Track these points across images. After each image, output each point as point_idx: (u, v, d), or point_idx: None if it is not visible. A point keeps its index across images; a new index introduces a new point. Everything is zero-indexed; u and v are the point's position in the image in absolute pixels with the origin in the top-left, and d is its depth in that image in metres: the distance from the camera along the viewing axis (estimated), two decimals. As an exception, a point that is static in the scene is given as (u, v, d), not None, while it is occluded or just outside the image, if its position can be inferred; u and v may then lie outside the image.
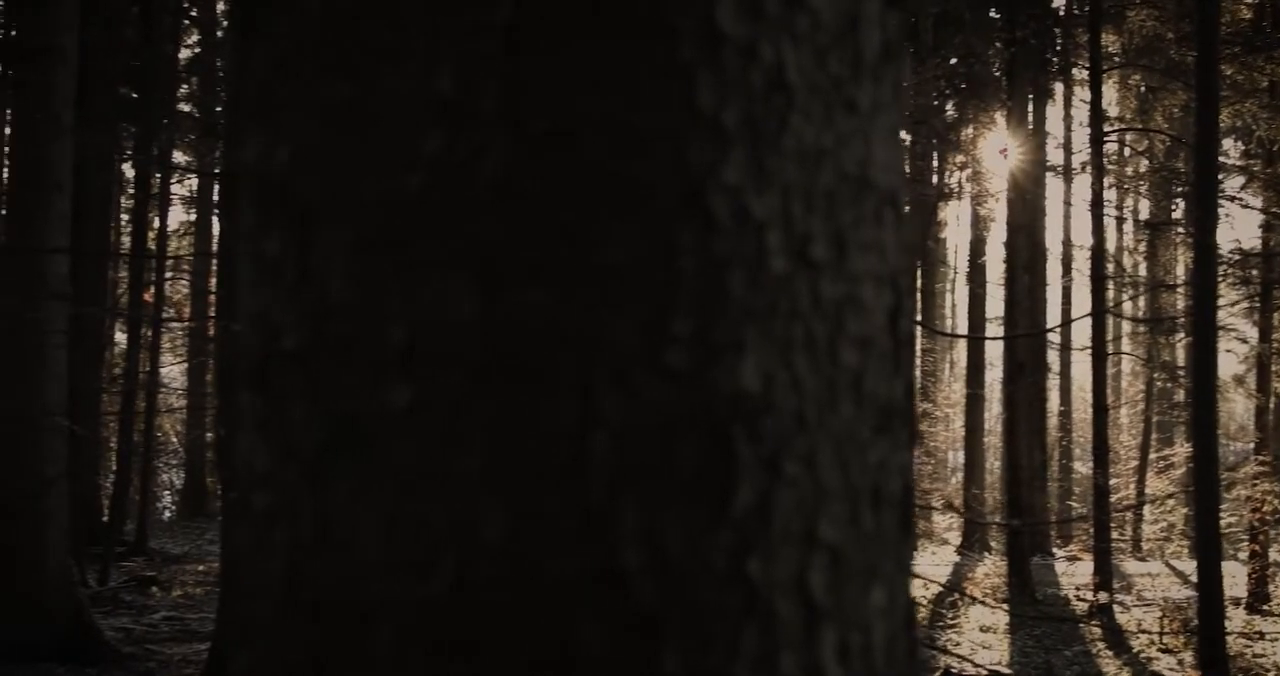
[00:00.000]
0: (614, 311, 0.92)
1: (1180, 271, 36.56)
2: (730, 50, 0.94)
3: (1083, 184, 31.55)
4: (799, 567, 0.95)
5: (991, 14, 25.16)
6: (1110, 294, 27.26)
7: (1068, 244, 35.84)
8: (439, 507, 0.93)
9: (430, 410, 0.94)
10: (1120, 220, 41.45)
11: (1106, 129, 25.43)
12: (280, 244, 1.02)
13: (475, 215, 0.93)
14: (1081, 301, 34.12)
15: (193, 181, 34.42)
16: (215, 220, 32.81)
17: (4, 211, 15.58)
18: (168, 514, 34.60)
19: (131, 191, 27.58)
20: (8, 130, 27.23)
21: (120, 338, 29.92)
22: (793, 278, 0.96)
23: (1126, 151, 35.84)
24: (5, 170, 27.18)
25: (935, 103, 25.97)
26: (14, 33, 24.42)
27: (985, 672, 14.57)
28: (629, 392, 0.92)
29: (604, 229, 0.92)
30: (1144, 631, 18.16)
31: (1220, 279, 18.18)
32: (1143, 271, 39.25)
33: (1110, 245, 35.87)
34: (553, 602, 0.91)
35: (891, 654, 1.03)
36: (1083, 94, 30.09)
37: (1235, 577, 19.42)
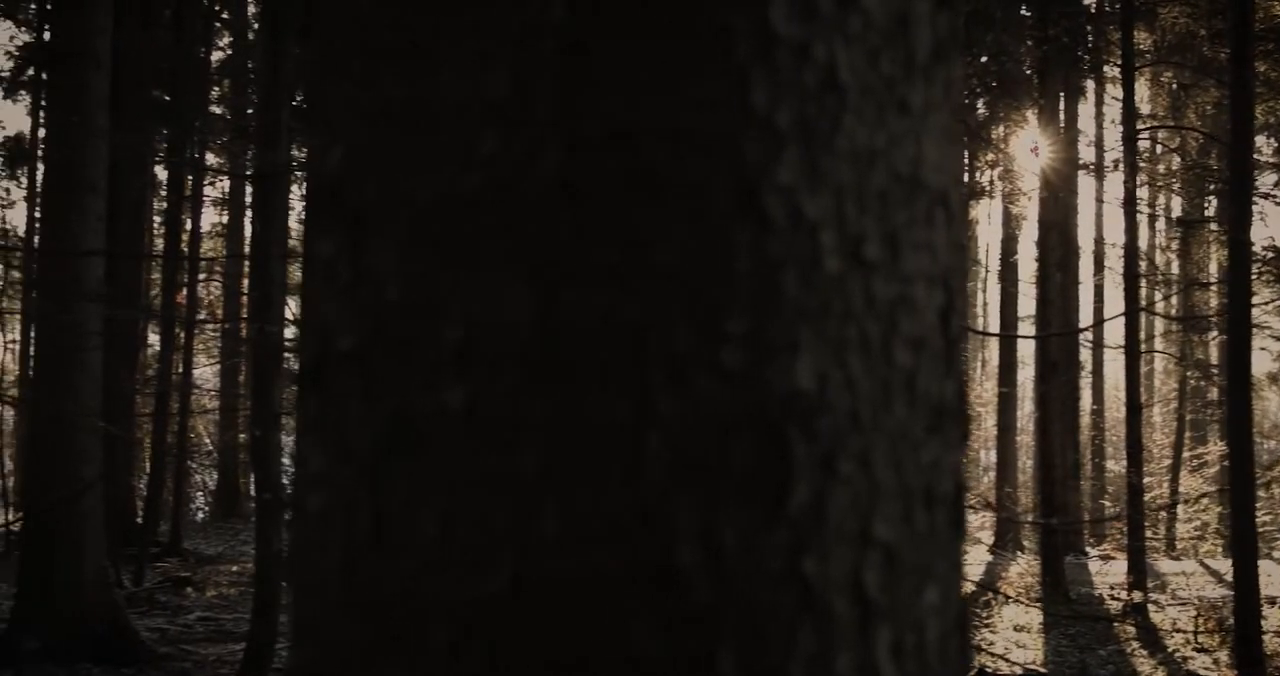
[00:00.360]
0: (669, 311, 0.93)
1: (1213, 269, 36.42)
2: (784, 50, 0.94)
3: (1115, 181, 31.46)
4: (854, 566, 0.96)
5: (1023, 12, 25.06)
6: (1143, 292, 27.17)
7: (1100, 242, 35.74)
8: (495, 507, 0.94)
9: (486, 409, 0.94)
10: (1153, 218, 41.30)
11: (1139, 126, 25.35)
12: (334, 245, 1.03)
13: (530, 216, 0.94)
14: (1114, 299, 34.00)
15: (225, 183, 34.57)
16: (247, 222, 32.93)
17: (40, 214, 15.67)
18: (201, 515, 34.75)
19: (164, 193, 27.73)
20: (41, 132, 27.40)
21: (154, 339, 30.06)
22: (846, 278, 0.96)
23: (1159, 149, 35.68)
24: (40, 173, 27.36)
25: (966, 101, 25.88)
26: (48, 37, 24.57)
27: (1020, 672, 14.54)
28: (684, 392, 0.92)
29: (659, 229, 0.93)
30: (1179, 630, 18.09)
31: (1254, 276, 18.10)
32: (1175, 269, 39.09)
33: (1143, 243, 35.75)
34: (608, 601, 0.92)
35: (944, 653, 1.03)
36: (1114, 91, 30.02)
37: (1271, 576, 19.33)
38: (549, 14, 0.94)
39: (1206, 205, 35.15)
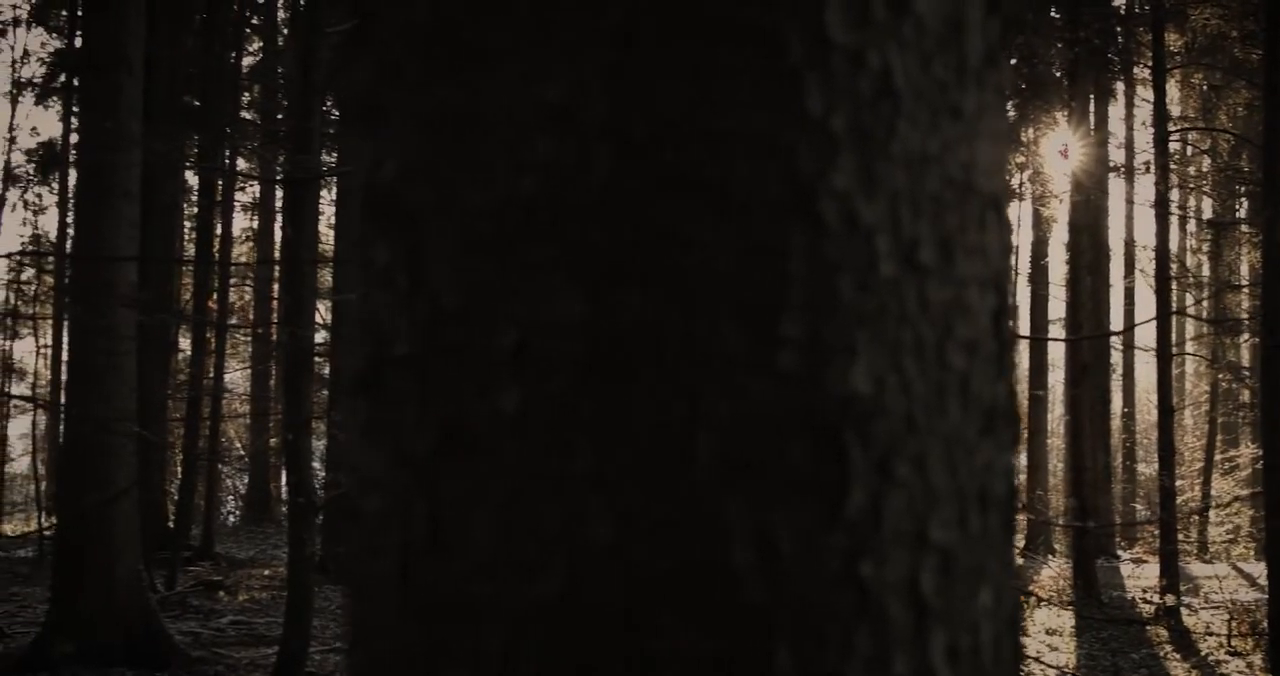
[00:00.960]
0: (722, 314, 0.93)
1: (1245, 271, 36.27)
2: (839, 56, 0.95)
3: (1145, 184, 31.34)
4: (910, 569, 0.96)
5: (1053, 14, 25.00)
6: (1174, 294, 27.07)
7: (1131, 244, 35.64)
8: (550, 508, 0.94)
9: (540, 412, 0.95)
10: (1184, 220, 41.13)
11: (1170, 128, 25.26)
12: (390, 251, 1.04)
13: (584, 220, 0.95)
14: (1145, 302, 33.91)
15: (254, 188, 34.69)
16: (277, 227, 33.04)
17: (74, 219, 15.76)
18: (232, 519, 34.87)
19: (195, 198, 27.85)
20: (73, 138, 27.54)
21: (184, 343, 30.18)
22: (901, 282, 0.97)
23: (1189, 150, 35.54)
24: (72, 179, 27.47)
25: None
26: (79, 43, 24.67)
27: (1054, 675, 14.50)
28: (736, 394, 0.93)
29: (714, 233, 0.93)
30: (1211, 634, 18.01)
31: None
32: (1207, 271, 38.94)
33: (1174, 245, 35.61)
34: (663, 601, 0.92)
35: (998, 654, 1.04)
36: (1145, 93, 29.93)
37: (1304, 580, 19.17)
38: (605, 18, 0.95)
39: (1238, 207, 35.02)
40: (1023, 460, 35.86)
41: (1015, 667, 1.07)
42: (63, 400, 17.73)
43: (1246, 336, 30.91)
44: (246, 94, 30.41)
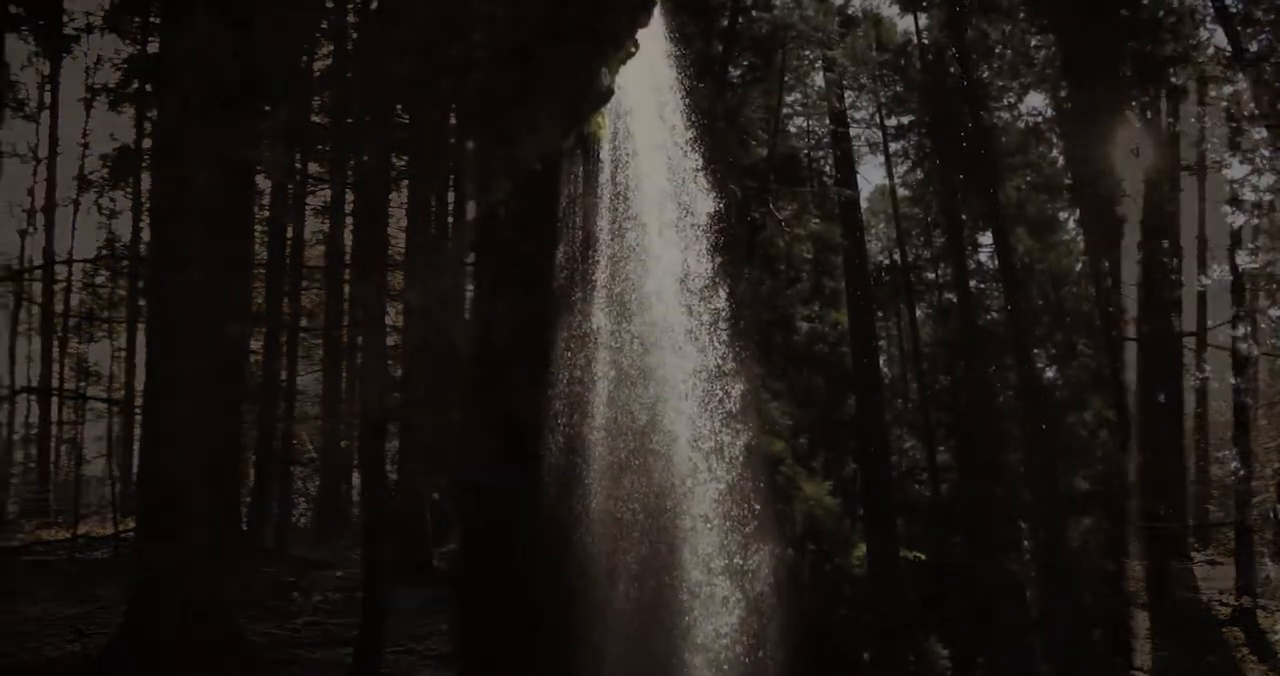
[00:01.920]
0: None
1: (1320, 268, 35.70)
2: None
3: (1218, 180, 30.95)
4: (1011, 570, 0.96)
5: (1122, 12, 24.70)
6: (1248, 291, 26.70)
7: (1204, 241, 35.17)
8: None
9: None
10: (1258, 216, 40.50)
11: (1242, 124, 24.91)
12: (492, 251, 1.05)
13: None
14: (1219, 299, 33.45)
15: (325, 191, 34.70)
16: (349, 230, 33.05)
17: (149, 224, 15.85)
18: (304, 520, 34.94)
19: (267, 201, 27.95)
20: (146, 142, 27.73)
21: (257, 346, 30.27)
22: (996, 279, 0.97)
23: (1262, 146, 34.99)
24: (145, 183, 27.64)
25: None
26: (151, 49, 24.82)
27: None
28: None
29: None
30: (1289, 635, 17.80)
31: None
32: (1281, 269, 38.34)
33: (1247, 241, 35.09)
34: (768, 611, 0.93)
35: (1100, 655, 1.03)
36: (1216, 90, 29.56)
37: (1384, 580, 18.94)
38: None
39: (1313, 202, 34.47)
40: (1096, 461, 35.38)
41: (1112, 671, 1.07)
42: (138, 403, 17.87)
43: (1324, 335, 30.40)
44: (317, 98, 30.49)
